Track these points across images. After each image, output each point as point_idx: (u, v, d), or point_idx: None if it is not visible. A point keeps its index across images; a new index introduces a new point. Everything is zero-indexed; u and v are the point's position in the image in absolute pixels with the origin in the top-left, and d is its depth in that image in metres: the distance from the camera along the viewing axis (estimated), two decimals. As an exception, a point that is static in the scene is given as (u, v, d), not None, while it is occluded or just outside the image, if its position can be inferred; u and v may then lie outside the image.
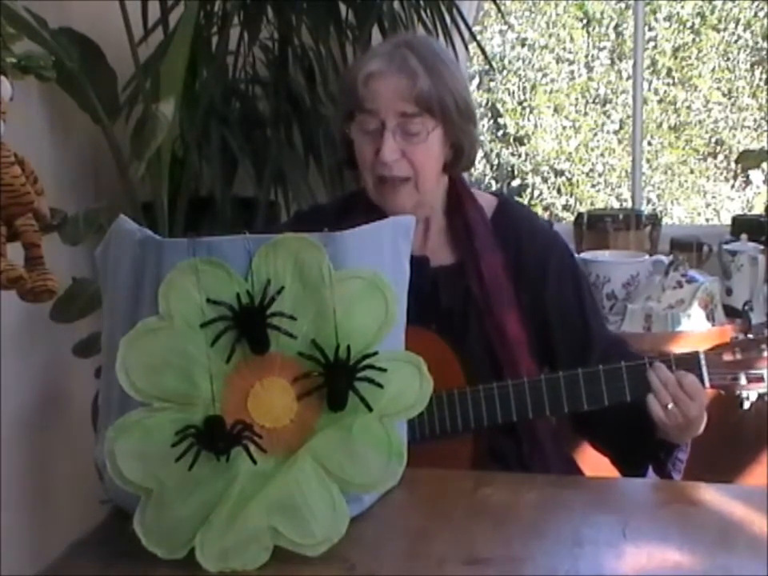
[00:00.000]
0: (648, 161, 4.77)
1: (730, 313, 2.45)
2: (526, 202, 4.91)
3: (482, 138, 5.02)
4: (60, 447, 2.34)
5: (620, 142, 4.92)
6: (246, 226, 1.27)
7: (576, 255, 2.14)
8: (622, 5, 4.88)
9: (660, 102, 4.88)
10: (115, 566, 1.17)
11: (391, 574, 1.15)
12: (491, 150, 5.11)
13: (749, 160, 2.88)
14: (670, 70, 4.86)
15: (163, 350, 1.14)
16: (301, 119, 2.60)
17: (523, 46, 5.04)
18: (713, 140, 4.89)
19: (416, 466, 1.29)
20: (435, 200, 1.67)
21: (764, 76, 4.63)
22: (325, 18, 2.50)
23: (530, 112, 5.06)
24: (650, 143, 4.82)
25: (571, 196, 5.05)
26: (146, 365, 1.14)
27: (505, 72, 5.06)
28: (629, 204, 3.33)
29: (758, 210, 4.34)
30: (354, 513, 1.21)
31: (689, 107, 4.87)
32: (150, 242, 1.19)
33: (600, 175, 5.02)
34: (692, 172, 4.96)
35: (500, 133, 5.13)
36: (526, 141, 5.10)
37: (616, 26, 4.95)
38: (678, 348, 1.63)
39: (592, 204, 4.92)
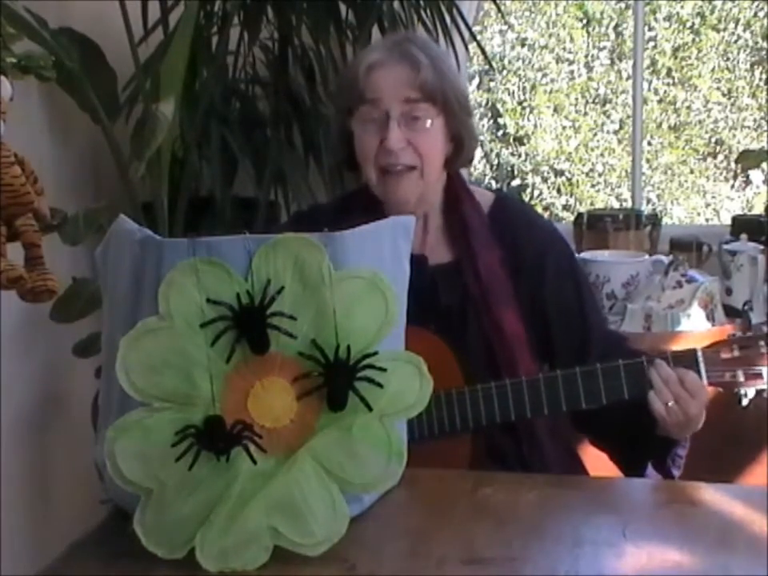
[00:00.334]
0: (648, 161, 4.77)
1: (730, 313, 2.45)
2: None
3: (481, 137, 5.02)
4: (60, 447, 2.34)
5: (620, 141, 4.92)
6: (246, 226, 1.27)
7: (576, 255, 2.14)
8: (622, 5, 4.88)
9: (660, 102, 4.88)
10: (115, 566, 1.17)
11: (391, 574, 1.15)
12: (491, 150, 5.11)
13: (749, 160, 2.88)
14: (670, 69, 4.86)
15: (163, 350, 1.14)
16: (301, 119, 2.60)
17: (523, 46, 5.04)
18: (713, 140, 4.89)
19: (415, 466, 1.29)
20: (434, 196, 1.67)
21: (764, 76, 4.63)
22: (325, 18, 2.50)
23: (530, 112, 5.06)
24: (649, 143, 4.82)
25: (571, 196, 5.05)
26: (146, 365, 1.14)
27: (505, 72, 5.06)
28: (629, 204, 3.33)
29: (758, 210, 4.34)
30: (354, 513, 1.21)
31: (689, 107, 4.87)
32: (150, 241, 1.19)
33: (600, 175, 5.02)
34: (692, 172, 4.96)
35: (500, 133, 5.13)
36: (526, 141, 5.10)
37: (616, 26, 4.95)
38: (678, 348, 1.62)
39: (592, 204, 4.92)
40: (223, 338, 1.15)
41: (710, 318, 2.38)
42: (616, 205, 4.80)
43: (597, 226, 2.78)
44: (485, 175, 5.07)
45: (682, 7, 4.81)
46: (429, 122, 1.58)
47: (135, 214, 2.06)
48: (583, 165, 5.03)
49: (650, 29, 4.67)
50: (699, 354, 1.49)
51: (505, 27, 4.94)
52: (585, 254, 2.63)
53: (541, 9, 4.99)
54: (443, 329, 1.59)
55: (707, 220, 4.91)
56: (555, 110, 5.03)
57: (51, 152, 2.33)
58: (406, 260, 1.32)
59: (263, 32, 2.60)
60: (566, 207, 5.05)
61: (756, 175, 4.69)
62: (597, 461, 1.71)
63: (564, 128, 5.02)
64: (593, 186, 5.05)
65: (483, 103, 5.07)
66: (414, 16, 2.56)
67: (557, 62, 5.02)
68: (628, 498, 1.42)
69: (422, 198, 1.63)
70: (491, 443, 1.60)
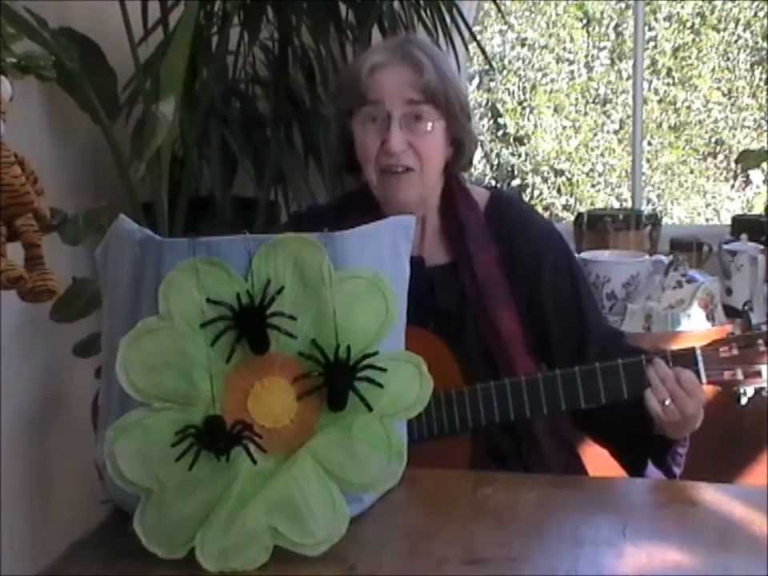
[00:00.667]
0: (648, 161, 4.77)
1: (730, 313, 2.45)
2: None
3: (481, 138, 5.02)
4: (60, 447, 2.34)
5: (620, 142, 4.92)
6: (246, 226, 1.28)
7: (576, 255, 2.14)
8: (622, 5, 4.88)
9: (660, 102, 4.89)
10: (115, 566, 1.17)
11: (391, 574, 1.15)
12: (491, 150, 5.12)
13: (749, 160, 2.88)
14: (670, 69, 4.86)
15: (163, 350, 1.14)
16: (301, 119, 2.60)
17: (523, 46, 5.04)
18: (713, 140, 4.89)
19: (415, 466, 1.29)
20: (433, 199, 1.68)
21: (764, 76, 4.63)
22: (325, 18, 2.50)
23: (530, 112, 5.06)
24: (650, 143, 4.82)
25: (571, 196, 5.05)
26: (146, 365, 1.14)
27: (505, 72, 5.06)
28: (629, 204, 3.33)
29: (758, 209, 4.34)
30: (354, 513, 1.21)
31: (689, 107, 4.87)
32: (150, 242, 1.19)
33: (600, 175, 5.02)
34: (692, 172, 4.96)
35: (500, 133, 5.13)
36: (526, 141, 5.10)
37: (616, 26, 4.95)
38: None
39: (592, 204, 4.92)
40: (223, 338, 1.15)
41: (710, 318, 2.37)
42: (616, 205, 4.81)
43: (597, 226, 2.78)
44: (485, 175, 5.07)
45: (682, 7, 4.81)
46: (430, 124, 1.58)
47: (135, 214, 2.06)
48: (583, 165, 5.03)
49: (650, 29, 4.67)
50: (698, 352, 1.49)
51: (505, 27, 4.94)
52: (585, 254, 2.63)
53: (541, 9, 4.99)
54: (441, 330, 1.59)
55: (707, 220, 4.91)
56: (555, 110, 5.03)
57: (51, 152, 2.33)
58: (406, 260, 1.32)
59: (263, 32, 2.60)
60: (566, 207, 5.05)
61: (756, 175, 4.69)
62: (597, 461, 1.71)
63: (564, 128, 5.02)
64: (593, 186, 5.05)
65: (483, 103, 5.07)
66: (414, 16, 2.55)
67: (557, 62, 5.02)
68: (628, 497, 1.42)
69: (421, 200, 1.63)
70: (491, 443, 1.60)
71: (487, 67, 4.69)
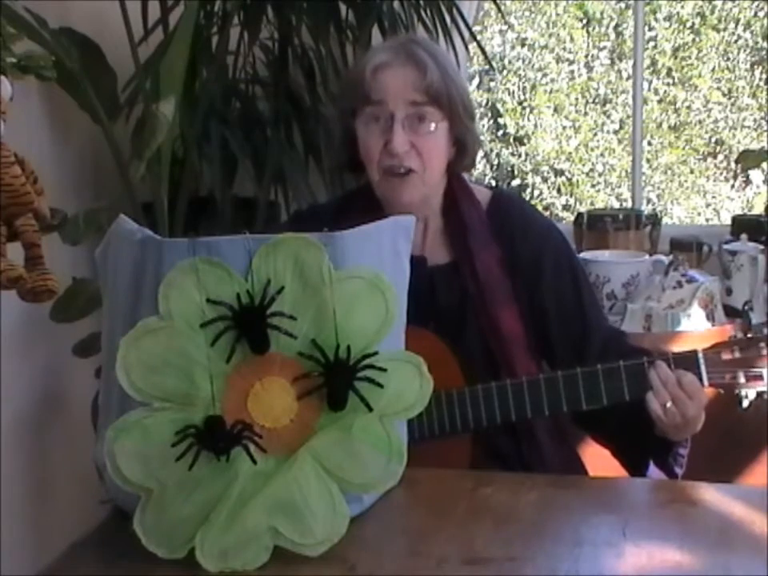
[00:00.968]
0: (648, 161, 4.77)
1: (730, 313, 2.45)
2: (525, 202, 4.90)
3: (481, 137, 5.02)
4: (60, 447, 2.34)
5: (620, 142, 4.92)
6: (246, 226, 1.27)
7: (575, 253, 2.14)
8: (622, 5, 4.88)
9: (660, 102, 4.89)
10: (115, 566, 1.17)
11: (391, 574, 1.15)
12: (491, 150, 5.12)
13: (749, 160, 2.88)
14: (670, 69, 4.86)
15: (163, 349, 1.14)
16: (301, 119, 2.60)
17: (523, 46, 5.04)
18: (713, 140, 4.89)
19: (415, 466, 1.29)
20: (435, 199, 1.68)
21: (764, 76, 4.63)
22: (325, 18, 2.50)
23: (530, 112, 5.06)
24: (650, 143, 4.82)
25: (571, 196, 5.05)
26: (146, 365, 1.14)
27: (505, 72, 5.06)
28: (629, 204, 3.33)
29: (758, 209, 4.34)
30: (354, 513, 1.21)
31: (689, 107, 4.87)
32: (150, 242, 1.19)
33: (600, 175, 5.02)
34: (692, 172, 4.96)
35: (500, 133, 5.13)
36: (526, 141, 5.10)
37: (616, 26, 4.95)
38: (678, 348, 1.62)
39: (592, 204, 4.92)
40: (223, 338, 1.15)
41: (710, 318, 2.38)
42: (616, 205, 4.81)
43: (597, 226, 2.78)
44: (485, 175, 5.07)
45: (682, 7, 4.81)
46: (433, 125, 1.58)
47: (135, 214, 2.06)
48: (583, 165, 5.03)
49: (650, 29, 4.67)
50: (700, 355, 1.49)
51: (505, 27, 4.94)
52: (585, 254, 2.63)
53: (541, 9, 4.99)
54: (442, 329, 1.59)
55: (707, 220, 4.91)
56: (555, 110, 5.03)
57: (51, 152, 2.33)
58: (406, 260, 1.32)
59: (263, 32, 2.60)
60: (566, 207, 5.05)
61: (756, 175, 4.69)
62: (597, 461, 1.71)
63: (564, 128, 5.02)
64: (593, 186, 5.05)
65: (483, 103, 5.07)
66: (414, 16, 2.55)
67: (557, 62, 5.02)
68: (628, 497, 1.42)
69: (423, 200, 1.63)
70: (491, 443, 1.60)
71: (487, 67, 4.68)
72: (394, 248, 1.29)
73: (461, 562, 1.15)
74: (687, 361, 1.49)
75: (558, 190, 5.07)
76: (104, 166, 2.41)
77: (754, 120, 4.73)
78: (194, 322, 1.15)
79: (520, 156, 5.12)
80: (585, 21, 5.00)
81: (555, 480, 1.46)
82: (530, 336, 1.64)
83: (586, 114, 5.00)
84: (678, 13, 4.83)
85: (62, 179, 2.33)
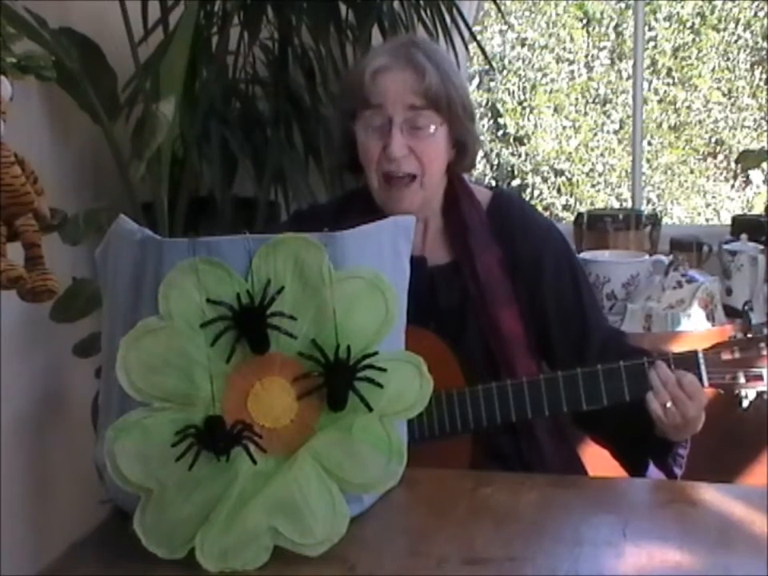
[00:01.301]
0: (648, 161, 4.77)
1: (730, 313, 2.45)
2: (525, 202, 4.89)
3: (481, 138, 5.02)
4: (60, 447, 2.34)
5: (620, 142, 4.92)
6: (246, 226, 1.27)
7: (575, 253, 2.14)
8: (622, 5, 4.88)
9: (660, 102, 4.89)
10: (115, 566, 1.17)
11: (391, 574, 1.15)
12: (491, 150, 5.12)
13: (749, 160, 2.88)
14: (670, 69, 4.86)
15: (163, 349, 1.14)
16: (301, 119, 2.60)
17: (523, 46, 5.04)
18: (713, 140, 4.89)
19: (415, 466, 1.29)
20: (435, 200, 1.68)
21: (764, 76, 4.63)
22: (325, 18, 2.50)
23: (530, 112, 5.06)
24: (650, 143, 4.82)
25: (571, 196, 5.05)
26: (146, 365, 1.14)
27: (505, 72, 5.06)
28: (629, 204, 3.33)
29: (758, 209, 4.34)
30: (354, 513, 1.21)
31: (689, 107, 4.87)
32: (150, 242, 1.19)
33: (600, 175, 5.02)
34: (692, 172, 4.96)
35: (500, 133, 5.13)
36: (526, 141, 5.10)
37: (616, 26, 4.95)
38: (678, 348, 1.62)
39: (592, 204, 4.92)
40: (223, 338, 1.15)
41: (710, 318, 2.38)
42: (616, 205, 4.81)
43: (597, 226, 2.78)
44: (485, 175, 5.07)
45: (682, 7, 4.81)
46: (432, 129, 1.58)
47: (135, 214, 2.06)
48: (583, 165, 5.03)
49: (650, 29, 4.67)
50: (700, 355, 1.49)
51: (505, 27, 4.93)
52: (585, 254, 2.63)
53: (541, 9, 4.99)
54: (442, 329, 1.59)
55: (707, 220, 4.91)
56: (555, 109, 5.03)
57: (51, 152, 2.33)
58: (406, 260, 1.32)
59: (263, 32, 2.60)
60: (566, 207, 5.05)
61: (756, 175, 4.69)
62: (597, 461, 1.71)
63: (564, 128, 5.02)
64: (593, 186, 5.05)
65: (483, 103, 5.07)
66: (414, 16, 2.55)
67: (557, 62, 5.02)
68: (628, 497, 1.42)
69: (424, 202, 1.63)
70: (491, 443, 1.60)
71: (487, 67, 4.68)
72: (394, 248, 1.29)
73: (461, 562, 1.15)
74: (687, 361, 1.49)
75: (558, 190, 5.07)
76: (104, 165, 2.41)
77: (754, 120, 4.73)
78: (193, 321, 1.15)
79: (520, 156, 5.12)
80: (585, 21, 5.00)
81: (555, 480, 1.46)
82: (530, 336, 1.65)
83: (586, 114, 5.00)
84: (677, 13, 4.83)
85: (61, 179, 2.33)
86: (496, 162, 5.16)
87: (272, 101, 2.62)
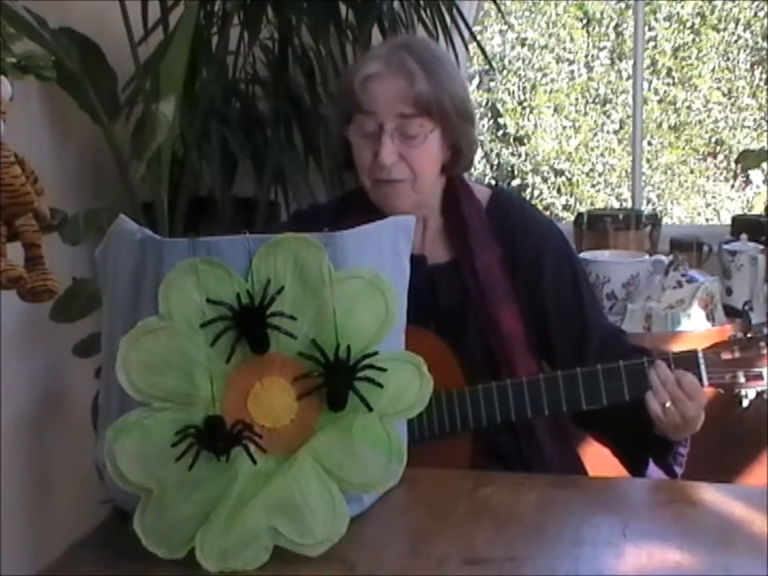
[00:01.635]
0: (648, 161, 4.77)
1: (730, 313, 2.45)
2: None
3: (481, 137, 5.02)
4: (60, 447, 2.34)
5: (620, 142, 4.92)
6: (246, 226, 1.27)
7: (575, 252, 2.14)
8: (622, 5, 4.88)
9: (660, 102, 4.89)
10: (115, 566, 1.17)
11: (391, 574, 1.15)
12: (491, 150, 5.12)
13: (749, 160, 2.88)
14: (670, 69, 4.86)
15: (163, 349, 1.14)
16: (301, 119, 2.60)
17: (523, 46, 5.04)
18: (713, 140, 4.89)
19: (415, 466, 1.29)
20: (433, 200, 1.68)
21: (764, 76, 4.63)
22: (325, 18, 2.50)
23: (530, 112, 5.06)
24: (650, 143, 4.82)
25: (571, 196, 5.05)
26: (146, 365, 1.14)
27: (505, 72, 5.06)
28: (629, 204, 3.33)
29: (758, 209, 4.34)
30: (354, 513, 1.21)
31: (689, 107, 4.87)
32: (150, 242, 1.19)
33: (600, 175, 5.02)
34: (692, 172, 4.96)
35: (500, 133, 5.13)
36: (526, 141, 5.10)
37: (616, 26, 4.95)
38: (678, 348, 1.62)
39: (592, 204, 4.92)
40: (223, 338, 1.15)
41: (710, 318, 2.38)
42: (616, 205, 4.81)
43: (597, 226, 2.78)
44: (485, 175, 5.07)
45: (682, 7, 4.81)
46: (423, 136, 1.58)
47: (135, 214, 2.06)
48: (583, 165, 5.03)
49: (650, 29, 4.67)
50: (700, 355, 1.49)
51: (505, 27, 4.93)
52: (585, 254, 2.63)
53: (541, 9, 4.99)
54: (442, 328, 1.60)
55: (707, 220, 4.91)
56: (555, 109, 5.03)
57: (51, 152, 2.33)
58: (406, 260, 1.32)
59: (263, 32, 2.60)
60: (566, 207, 5.05)
61: (756, 175, 4.69)
62: (597, 461, 1.71)
63: (564, 128, 5.02)
64: (593, 186, 5.05)
65: (483, 103, 5.07)
66: (414, 16, 2.55)
67: (557, 62, 5.02)
68: (628, 497, 1.42)
69: (418, 204, 1.63)
70: (491, 443, 1.60)
71: (487, 67, 4.68)
72: (394, 248, 1.29)
73: (461, 562, 1.15)
74: (687, 361, 1.49)
75: (558, 190, 5.07)
76: (104, 165, 2.41)
77: (754, 120, 4.73)
78: (193, 321, 1.15)
79: (520, 156, 5.12)
80: (585, 21, 5.00)
81: (555, 480, 1.46)
82: (530, 335, 1.65)
83: (586, 114, 5.00)
84: (677, 13, 4.83)
85: (61, 179, 2.33)
86: (496, 162, 5.16)
87: (272, 101, 2.62)
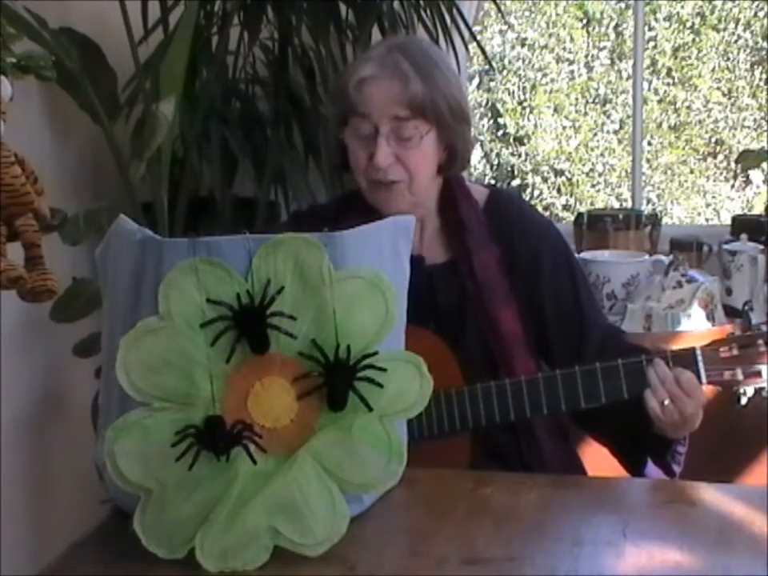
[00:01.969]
0: (648, 161, 4.77)
1: (730, 313, 2.45)
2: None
3: (481, 137, 5.02)
4: (60, 447, 2.34)
5: (620, 142, 4.92)
6: (246, 226, 1.27)
7: (576, 254, 2.14)
8: (622, 5, 4.88)
9: (660, 102, 4.89)
10: (115, 566, 1.17)
11: (391, 574, 1.15)
12: (491, 150, 5.12)
13: (749, 160, 2.88)
14: (670, 69, 4.86)
15: (163, 349, 1.14)
16: (301, 119, 2.60)
17: (523, 46, 5.04)
18: (713, 140, 4.89)
19: (415, 466, 1.29)
20: (429, 201, 1.68)
21: (764, 76, 4.63)
22: (325, 18, 2.50)
23: (530, 112, 5.06)
24: (650, 143, 4.82)
25: (571, 196, 5.05)
26: (146, 365, 1.14)
27: (505, 72, 5.06)
28: (629, 204, 3.33)
29: (758, 209, 4.34)
30: (354, 513, 1.21)
31: (689, 107, 4.87)
32: (150, 242, 1.19)
33: (600, 175, 5.02)
34: (692, 172, 4.96)
35: (500, 133, 5.13)
36: (526, 141, 5.10)
37: (616, 26, 4.95)
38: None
39: (592, 204, 4.93)
40: (223, 338, 1.15)
41: (710, 317, 2.38)
42: (616, 205, 4.81)
43: (597, 226, 2.78)
44: (485, 175, 5.07)
45: (682, 7, 4.81)
46: (418, 138, 1.58)
47: (135, 214, 2.06)
48: (583, 165, 5.03)
49: (650, 29, 4.67)
50: (698, 352, 1.49)
51: (505, 27, 4.94)
52: (585, 254, 2.63)
53: (541, 9, 4.99)
54: (441, 328, 1.60)
55: (707, 220, 4.91)
56: (555, 110, 5.03)
57: (51, 152, 2.33)
58: (406, 260, 1.32)
59: (263, 32, 2.60)
60: (566, 207, 5.05)
61: (756, 175, 4.69)
62: (597, 461, 1.71)
63: (564, 128, 5.02)
64: (593, 186, 5.05)
65: (483, 103, 5.07)
66: (414, 16, 2.55)
67: (557, 62, 5.02)
68: (628, 497, 1.42)
69: (415, 205, 1.63)
70: (491, 443, 1.61)
71: (487, 67, 4.68)
72: (394, 248, 1.29)
73: (461, 562, 1.15)
74: (685, 358, 1.49)
75: (558, 190, 5.07)
76: (104, 166, 2.41)
77: (754, 120, 4.73)
78: (193, 321, 1.15)
79: (520, 156, 5.12)
80: (585, 21, 5.00)
81: (555, 480, 1.46)
82: (529, 335, 1.65)
83: (586, 114, 5.00)
84: (677, 13, 4.83)
85: (61, 179, 2.33)
86: (496, 162, 5.16)
87: (272, 101, 2.62)
